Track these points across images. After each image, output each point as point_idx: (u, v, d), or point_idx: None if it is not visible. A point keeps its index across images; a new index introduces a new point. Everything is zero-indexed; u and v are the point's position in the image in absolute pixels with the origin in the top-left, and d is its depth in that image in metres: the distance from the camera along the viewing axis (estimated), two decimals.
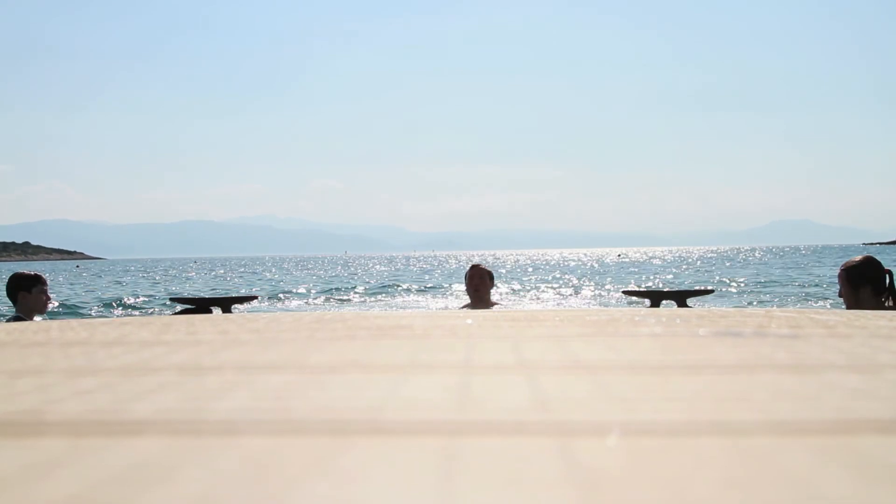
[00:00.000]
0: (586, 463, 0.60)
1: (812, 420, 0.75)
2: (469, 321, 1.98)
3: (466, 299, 5.92)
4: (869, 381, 0.97)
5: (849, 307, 4.43)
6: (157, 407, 0.85)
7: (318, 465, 0.60)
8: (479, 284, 5.71)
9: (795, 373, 1.04)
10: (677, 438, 0.68)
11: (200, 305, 4.83)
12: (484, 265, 5.92)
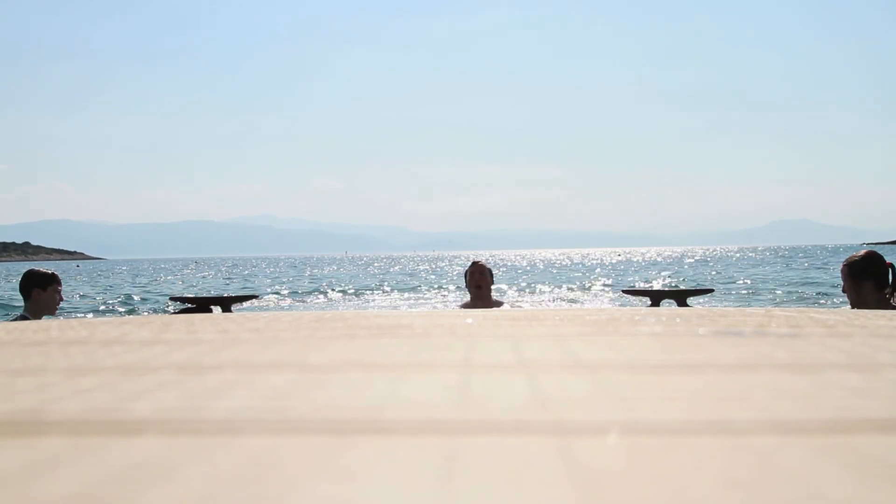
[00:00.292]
0: (586, 462, 0.60)
1: (812, 419, 0.75)
2: (469, 320, 1.98)
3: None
4: (869, 380, 0.97)
5: (852, 302, 4.43)
6: (157, 406, 0.85)
7: (319, 465, 0.60)
8: (480, 280, 5.76)
9: (795, 372, 1.04)
10: (677, 438, 0.68)
11: (200, 305, 4.83)
12: (484, 262, 5.95)
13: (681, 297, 4.98)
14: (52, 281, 4.99)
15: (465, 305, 5.83)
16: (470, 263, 5.95)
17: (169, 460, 0.62)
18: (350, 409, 0.82)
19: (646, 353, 1.28)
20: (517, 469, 0.58)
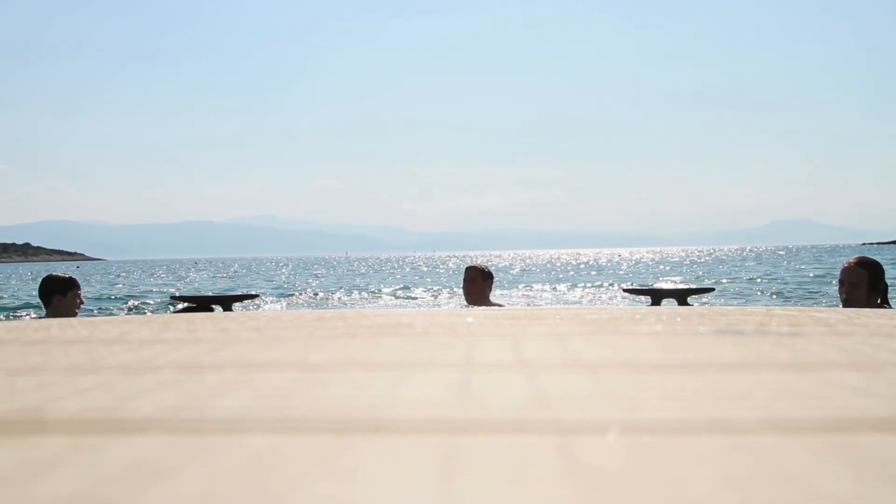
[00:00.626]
0: (586, 461, 0.60)
1: (812, 418, 0.75)
2: (469, 319, 1.98)
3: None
4: (869, 379, 0.97)
5: (845, 303, 4.43)
6: (158, 405, 0.85)
7: (319, 464, 0.60)
8: (471, 287, 5.61)
9: (796, 371, 1.04)
10: (677, 437, 0.68)
11: (201, 304, 4.84)
12: (481, 264, 5.81)
13: (681, 295, 4.98)
14: (71, 286, 4.97)
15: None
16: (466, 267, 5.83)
17: (169, 459, 0.62)
18: (350, 409, 0.82)
19: (646, 352, 1.28)
20: (517, 468, 0.58)
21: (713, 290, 7.94)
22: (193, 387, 0.97)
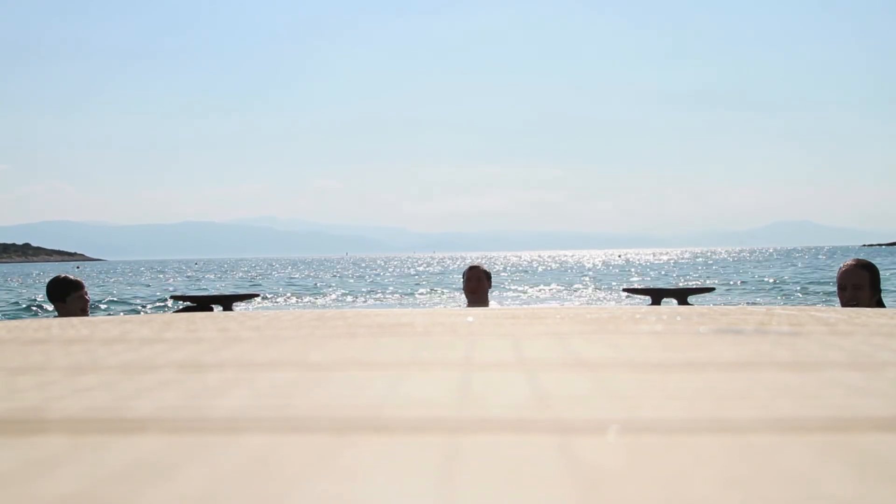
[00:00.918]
0: (587, 460, 0.60)
1: (813, 417, 0.75)
2: (470, 319, 1.98)
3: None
4: (870, 378, 0.97)
5: (845, 305, 4.45)
6: (158, 405, 0.85)
7: (319, 463, 0.60)
8: (477, 287, 5.59)
9: (796, 370, 1.04)
10: (678, 436, 0.68)
11: (201, 303, 4.83)
12: (482, 265, 5.84)
13: (681, 295, 4.98)
14: (70, 290, 4.90)
15: None
16: (467, 267, 5.78)
17: (169, 459, 0.62)
18: (351, 408, 0.82)
19: (647, 352, 1.28)
20: (518, 468, 0.58)
21: (713, 289, 7.94)
22: (194, 386, 0.97)
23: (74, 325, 2.05)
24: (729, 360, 1.15)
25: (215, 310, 4.57)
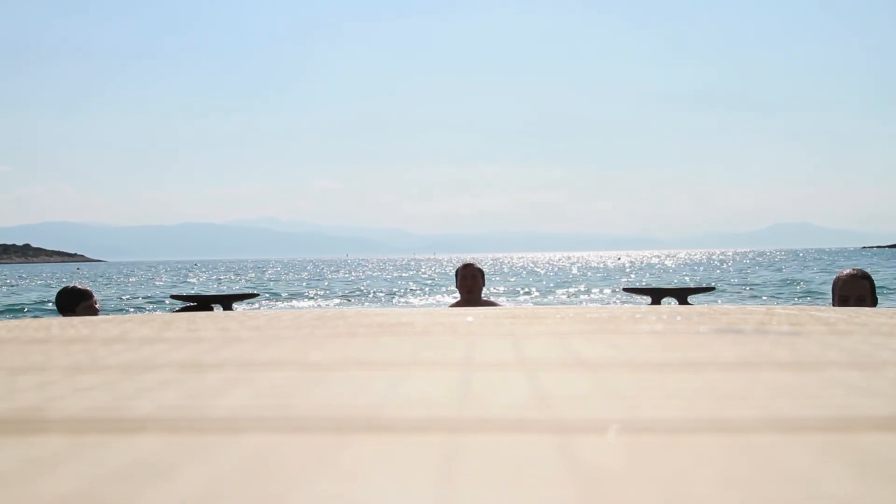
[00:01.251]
0: (587, 460, 0.60)
1: (813, 417, 0.75)
2: (470, 318, 1.98)
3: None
4: (869, 378, 0.97)
5: None
6: (158, 404, 0.85)
7: (319, 463, 0.60)
8: (472, 285, 5.55)
9: (796, 370, 1.04)
10: (678, 436, 0.68)
11: (201, 303, 4.83)
12: (475, 263, 5.76)
13: (681, 295, 4.98)
14: (80, 300, 4.84)
15: (455, 306, 5.65)
16: (461, 265, 5.71)
17: (170, 458, 0.62)
18: (351, 408, 0.82)
19: (647, 352, 1.28)
20: (518, 467, 0.58)
21: (713, 288, 7.94)
22: (194, 386, 0.97)
23: (74, 324, 2.05)
24: (729, 360, 1.15)
25: (215, 309, 4.58)
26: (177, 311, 4.67)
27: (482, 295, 5.64)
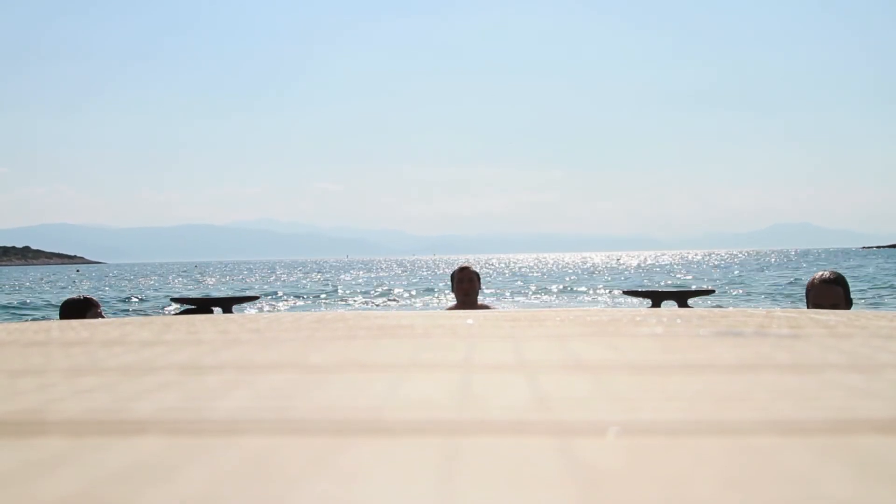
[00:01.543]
0: (587, 462, 0.60)
1: (812, 419, 0.75)
2: (470, 321, 1.98)
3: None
4: (869, 380, 0.97)
5: None
6: (158, 406, 0.85)
7: (319, 465, 0.60)
8: (469, 288, 5.48)
9: (796, 372, 1.04)
10: (678, 438, 0.68)
11: (201, 305, 4.83)
12: (472, 265, 5.69)
13: (681, 297, 4.98)
14: (85, 310, 4.76)
15: (452, 309, 5.54)
16: (457, 268, 5.63)
17: (170, 460, 0.62)
18: (350, 410, 0.82)
19: (647, 354, 1.28)
20: (518, 469, 0.58)
21: (713, 291, 7.93)
22: (194, 388, 0.97)
23: (74, 327, 2.05)
24: (729, 363, 1.15)
25: (215, 312, 4.57)
26: (176, 313, 4.66)
27: (478, 298, 5.58)
